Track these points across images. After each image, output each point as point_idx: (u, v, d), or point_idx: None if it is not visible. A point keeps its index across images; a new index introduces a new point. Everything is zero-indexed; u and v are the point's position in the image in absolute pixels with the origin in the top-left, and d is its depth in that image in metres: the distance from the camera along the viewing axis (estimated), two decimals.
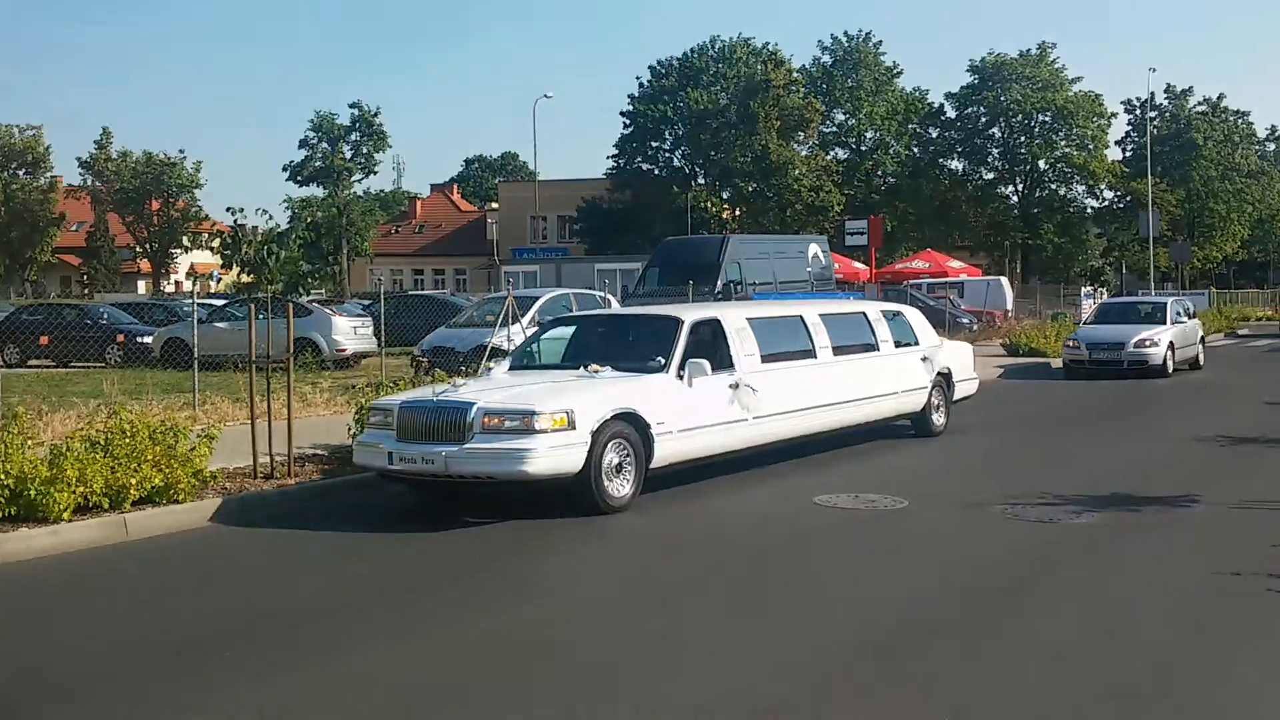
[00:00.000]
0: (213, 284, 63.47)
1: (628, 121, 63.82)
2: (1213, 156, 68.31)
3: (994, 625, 6.48)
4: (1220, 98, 71.75)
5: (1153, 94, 63.74)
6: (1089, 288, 57.30)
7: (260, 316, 11.29)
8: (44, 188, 72.23)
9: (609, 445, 9.31)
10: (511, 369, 11.01)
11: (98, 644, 6.39)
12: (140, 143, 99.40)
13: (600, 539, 8.82)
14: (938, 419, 13.86)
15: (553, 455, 8.95)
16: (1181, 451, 12.90)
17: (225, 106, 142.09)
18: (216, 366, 16.81)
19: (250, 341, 10.67)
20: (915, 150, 67.10)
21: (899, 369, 13.18)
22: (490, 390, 9.72)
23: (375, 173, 67.82)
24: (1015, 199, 67.09)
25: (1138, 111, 66.73)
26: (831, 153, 66.13)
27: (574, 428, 9.06)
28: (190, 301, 19.36)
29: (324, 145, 64.51)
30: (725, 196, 62.90)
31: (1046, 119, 64.39)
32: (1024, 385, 21.80)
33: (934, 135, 67.15)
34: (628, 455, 9.51)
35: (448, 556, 8.33)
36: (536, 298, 24.87)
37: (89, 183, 73.43)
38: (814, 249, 31.85)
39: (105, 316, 26.67)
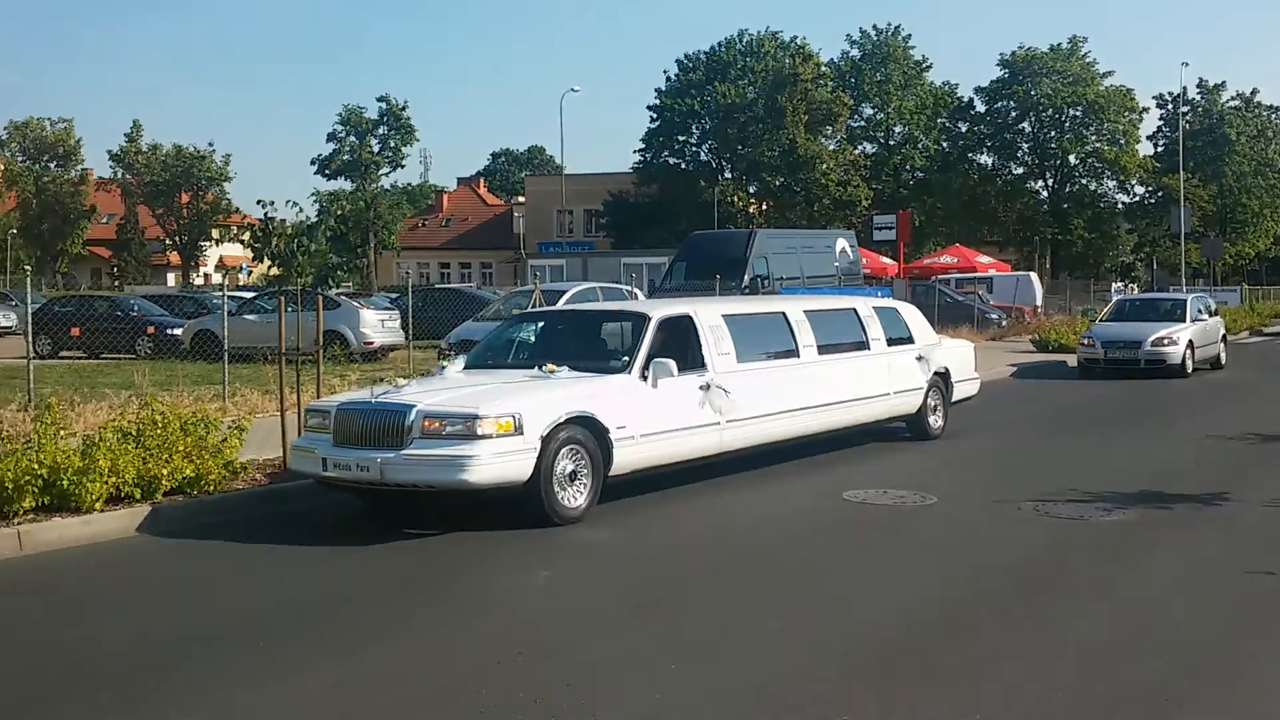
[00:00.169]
0: (241, 276, 63.88)
1: (655, 115, 63.71)
2: (1245, 152, 67.56)
3: (1029, 624, 6.42)
4: (1254, 93, 71.00)
5: (1185, 89, 63.28)
6: (1119, 284, 56.83)
7: (289, 309, 11.34)
8: (75, 180, 72.93)
9: (562, 452, 8.68)
10: (467, 368, 10.28)
11: (117, 636, 6.45)
12: (170, 136, 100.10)
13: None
14: (934, 421, 13.24)
15: (497, 462, 8.30)
16: (1206, 450, 12.75)
17: (254, 100, 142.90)
18: (246, 359, 16.91)
19: (280, 334, 10.72)
20: (944, 145, 66.67)
21: (892, 369, 12.56)
22: (434, 391, 9.04)
23: (403, 166, 68.09)
24: (1045, 194, 66.59)
25: (1170, 106, 66.06)
26: (860, 147, 65.76)
27: (521, 433, 8.41)
28: (220, 294, 19.48)
29: (352, 139, 64.67)
30: (752, 191, 62.72)
31: (1077, 114, 63.86)
32: (1035, 385, 21.08)
33: (963, 129, 66.70)
34: (583, 462, 8.85)
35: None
36: (563, 291, 24.94)
37: (119, 175, 73.98)
38: (842, 244, 31.76)
39: (136, 308, 26.88)
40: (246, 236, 12.04)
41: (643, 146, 64.48)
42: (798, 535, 8.75)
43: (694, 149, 64.21)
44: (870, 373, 12.24)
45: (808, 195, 59.94)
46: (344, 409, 8.86)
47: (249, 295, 28.32)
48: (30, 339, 13.37)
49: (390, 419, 8.56)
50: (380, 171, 66.15)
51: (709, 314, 10.56)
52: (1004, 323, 33.54)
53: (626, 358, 9.70)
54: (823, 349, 11.57)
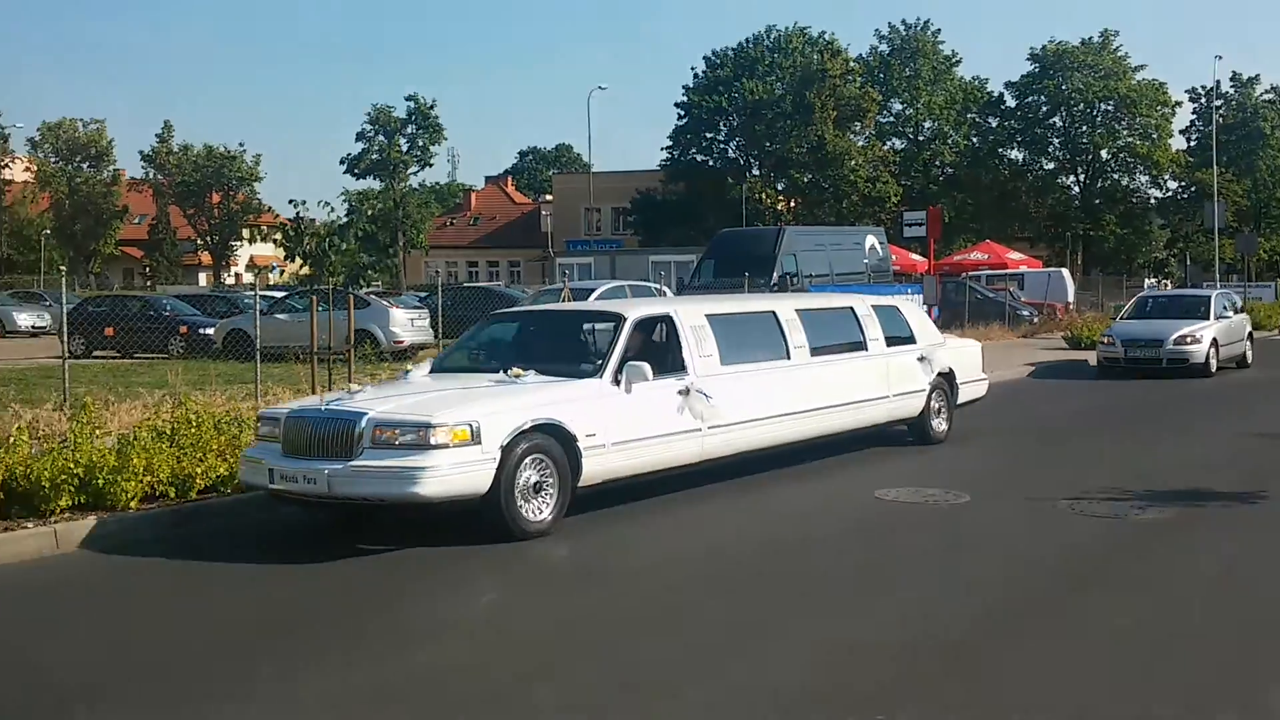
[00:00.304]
0: (272, 276, 64.29)
1: (682, 113, 63.64)
2: None
3: (1069, 623, 6.38)
4: None
5: (1218, 82, 62.47)
6: (1152, 280, 56.34)
7: (320, 308, 11.40)
8: (107, 181, 73.57)
9: (525, 462, 8.17)
10: (434, 372, 9.77)
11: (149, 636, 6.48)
12: (201, 136, 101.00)
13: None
14: (938, 425, 12.66)
15: (453, 474, 7.79)
16: (1238, 449, 12.57)
17: (283, 100, 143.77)
18: (278, 358, 16.99)
19: (312, 333, 10.78)
20: (974, 140, 66.29)
21: (891, 370, 11.97)
22: (389, 398, 8.55)
23: (431, 165, 68.25)
24: (1077, 189, 66.11)
25: (1203, 100, 65.39)
26: (889, 143, 65.49)
27: (479, 442, 7.91)
28: (251, 294, 19.60)
29: (381, 138, 64.94)
30: (780, 188, 62.54)
31: (1109, 108, 63.38)
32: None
33: (993, 125, 66.32)
34: (549, 473, 8.33)
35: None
36: (591, 289, 24.96)
37: (151, 176, 74.60)
38: (871, 240, 31.64)
39: (168, 308, 27.10)
40: (279, 236, 12.03)
41: (670, 144, 64.49)
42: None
43: (722, 146, 64.12)
44: (867, 375, 11.72)
45: (836, 192, 59.73)
46: (293, 417, 8.37)
47: (280, 294, 28.51)
48: (65, 339, 13.47)
49: (339, 428, 8.05)
50: (409, 171, 66.38)
51: (691, 314, 10.06)
52: (1035, 320, 33.32)
53: (598, 361, 9.18)
54: (816, 350, 11.03)
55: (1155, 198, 66.87)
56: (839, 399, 11.19)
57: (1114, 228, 63.71)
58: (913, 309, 13.40)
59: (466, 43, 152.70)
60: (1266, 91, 69.47)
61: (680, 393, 9.41)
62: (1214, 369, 20.94)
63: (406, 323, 24.21)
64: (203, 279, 76.46)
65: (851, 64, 61.80)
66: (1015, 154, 66.37)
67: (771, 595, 6.97)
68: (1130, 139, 63.57)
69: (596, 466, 8.69)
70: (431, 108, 65.13)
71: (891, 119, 66.31)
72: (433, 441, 7.79)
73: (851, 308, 12.21)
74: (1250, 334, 24.27)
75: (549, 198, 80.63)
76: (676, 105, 63.89)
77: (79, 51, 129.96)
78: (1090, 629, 6.23)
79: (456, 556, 7.90)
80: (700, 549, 8.42)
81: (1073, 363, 23.45)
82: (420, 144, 65.69)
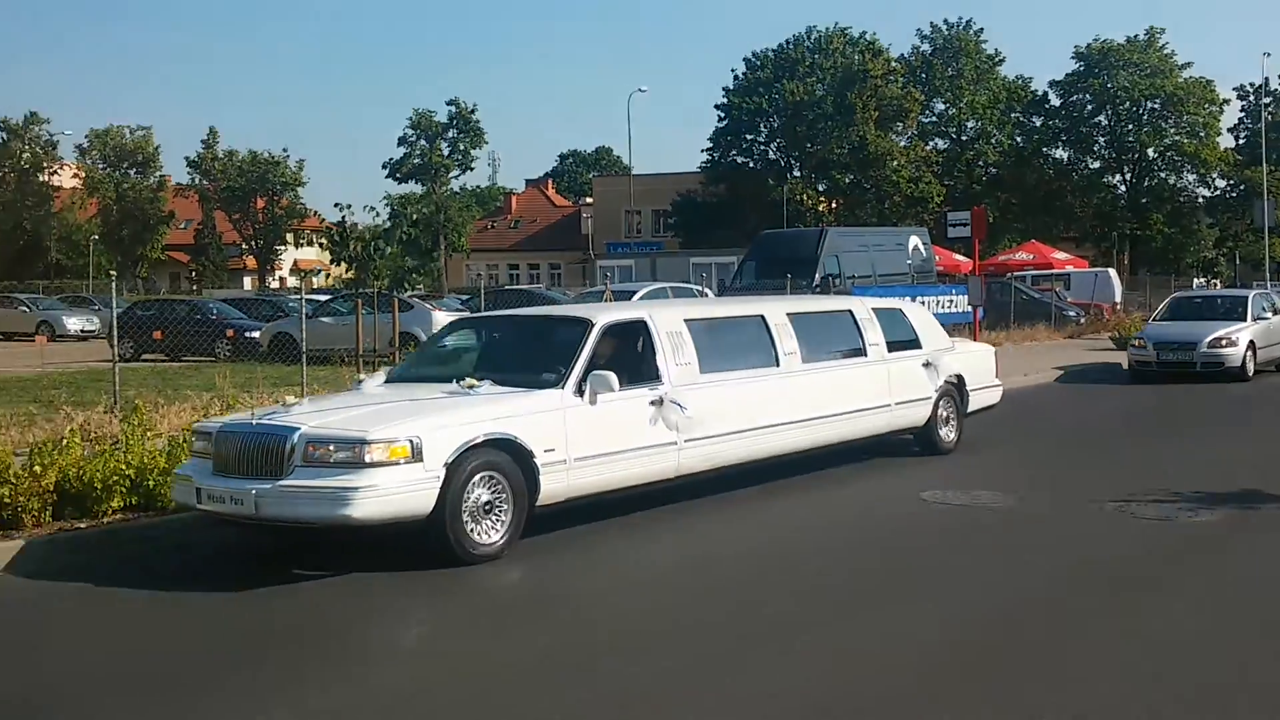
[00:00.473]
0: (315, 280, 64.88)
1: (722, 114, 63.55)
2: None
3: (1123, 625, 6.29)
4: None
5: (1267, 79, 61.52)
6: (1200, 279, 55.52)
7: (365, 311, 11.47)
8: (154, 187, 74.50)
9: (474, 480, 7.59)
10: (390, 381, 9.17)
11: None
12: (245, 142, 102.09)
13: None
14: (946, 434, 11.96)
15: (391, 495, 7.25)
16: None
17: (325, 106, 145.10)
18: (323, 360, 17.08)
19: (357, 335, 10.85)
20: (1018, 139, 65.66)
21: (893, 377, 11.27)
22: (327, 411, 7.99)
23: (472, 169, 68.66)
24: (1123, 188, 65.32)
25: (1251, 98, 64.34)
26: (931, 143, 65.05)
27: (420, 459, 7.36)
28: (297, 297, 19.77)
29: (422, 143, 65.37)
30: (822, 189, 62.29)
31: (1155, 106, 62.57)
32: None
33: (1038, 124, 65.67)
34: (501, 492, 7.76)
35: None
36: (633, 291, 24.96)
37: (196, 181, 75.51)
38: (914, 241, 31.44)
39: (215, 312, 27.40)
40: (325, 240, 12.13)
41: (710, 146, 64.44)
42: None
43: (762, 147, 63.98)
44: (866, 382, 11.00)
45: (878, 192, 59.42)
46: (223, 432, 7.85)
47: (324, 298, 28.74)
48: (115, 342, 13.65)
49: (269, 444, 7.50)
50: (450, 174, 66.77)
51: (668, 319, 9.42)
52: (1082, 320, 33.00)
53: (560, 370, 8.48)
54: (809, 356, 10.36)
55: (1203, 197, 65.95)
56: (834, 408, 10.52)
57: (1161, 227, 62.90)
58: (918, 312, 12.76)
59: (507, 47, 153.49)
60: None
61: (653, 403, 8.79)
62: (1251, 373, 19.97)
63: None
64: (247, 283, 77.28)
65: (893, 64, 61.45)
66: (1060, 153, 65.71)
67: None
68: (1177, 137, 62.73)
69: (556, 484, 8.10)
70: (472, 112, 65.51)
71: (934, 119, 65.85)
72: (368, 459, 7.25)
73: (850, 311, 11.51)
74: None
75: (589, 200, 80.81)
76: (717, 107, 63.93)
77: (126, 59, 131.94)
78: (1146, 635, 6.15)
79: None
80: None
81: (1105, 366, 22.67)
82: (461, 148, 66.07)
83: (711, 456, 9.33)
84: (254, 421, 7.80)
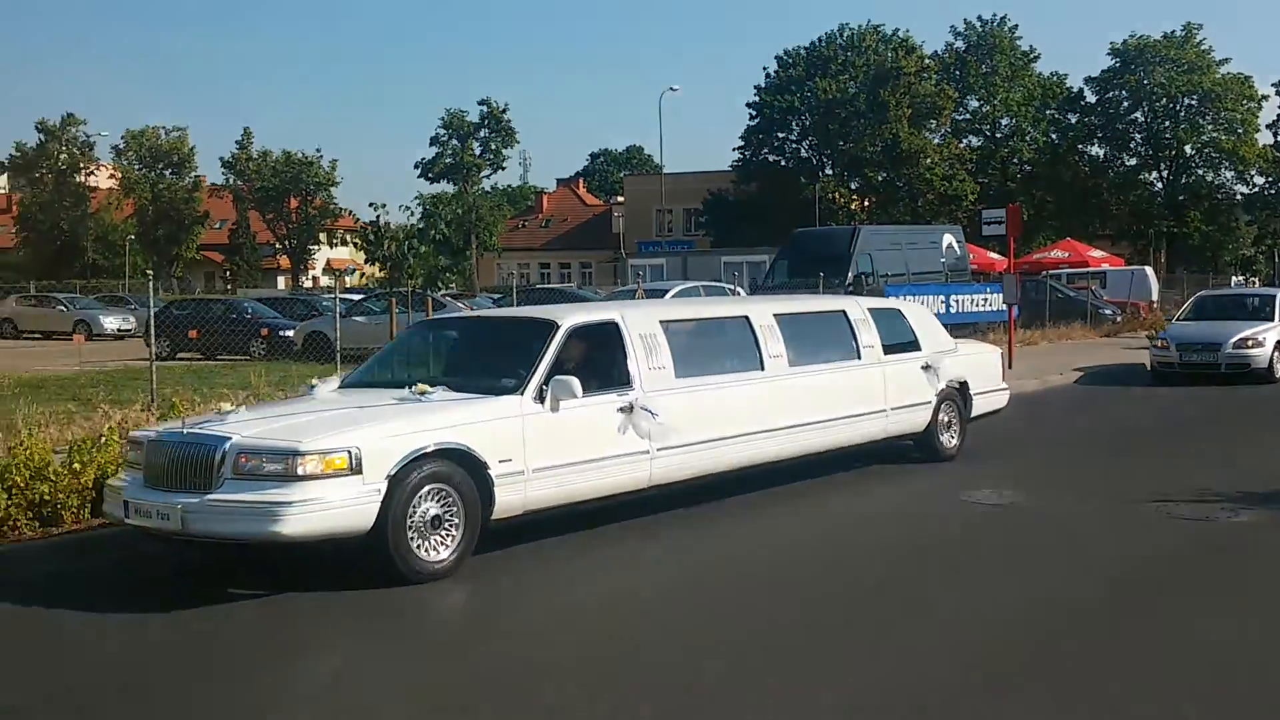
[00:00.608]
0: (348, 279, 65.25)
1: (754, 112, 63.39)
2: None
3: (1166, 628, 6.21)
4: None
5: None
6: (1239, 278, 54.83)
7: (399, 310, 11.49)
8: (189, 187, 75.11)
9: (421, 493, 7.16)
10: (347, 386, 8.79)
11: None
12: (279, 143, 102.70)
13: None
14: (947, 440, 11.49)
15: (325, 509, 6.82)
16: None
17: (358, 106, 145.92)
18: (357, 359, 17.13)
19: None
20: (1053, 136, 65.10)
21: (889, 381, 10.78)
22: (264, 420, 7.57)
23: (503, 168, 68.87)
24: (1160, 185, 64.63)
25: None
26: (965, 140, 64.60)
27: (359, 471, 6.94)
28: (330, 296, 19.86)
29: (454, 142, 65.60)
30: (854, 187, 62.03)
31: (1193, 102, 61.86)
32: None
33: (1073, 121, 65.07)
34: (452, 506, 7.32)
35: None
36: (666, 290, 24.92)
37: (231, 182, 76.12)
38: (948, 239, 31.23)
39: (249, 311, 27.62)
40: (359, 240, 12.18)
41: (742, 144, 64.29)
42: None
43: (794, 146, 63.77)
44: (860, 386, 10.52)
45: (911, 190, 59.08)
46: (154, 441, 7.44)
47: (357, 297, 28.89)
48: (152, 341, 13.75)
49: (198, 454, 7.08)
50: (481, 174, 66.97)
51: (642, 320, 8.94)
52: (1119, 319, 32.68)
53: (520, 375, 8.02)
54: (797, 359, 9.89)
55: (1241, 193, 65.13)
56: (824, 414, 10.04)
57: (1199, 224, 62.19)
58: (919, 312, 12.27)
59: (538, 46, 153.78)
60: None
61: (621, 410, 8.33)
62: (1279, 374, 19.23)
63: None
64: (281, 282, 77.82)
65: (926, 61, 61.07)
66: (1096, 150, 65.11)
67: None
68: (1215, 134, 62.00)
69: (513, 497, 7.66)
70: (504, 111, 65.66)
71: (968, 116, 65.40)
72: (300, 472, 6.82)
73: (844, 311, 10.97)
74: None
75: (620, 199, 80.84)
76: (748, 105, 63.79)
77: (161, 61, 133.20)
78: (1188, 637, 6.06)
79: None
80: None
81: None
82: (493, 147, 66.26)
83: (688, 466, 8.86)
84: (184, 430, 7.35)
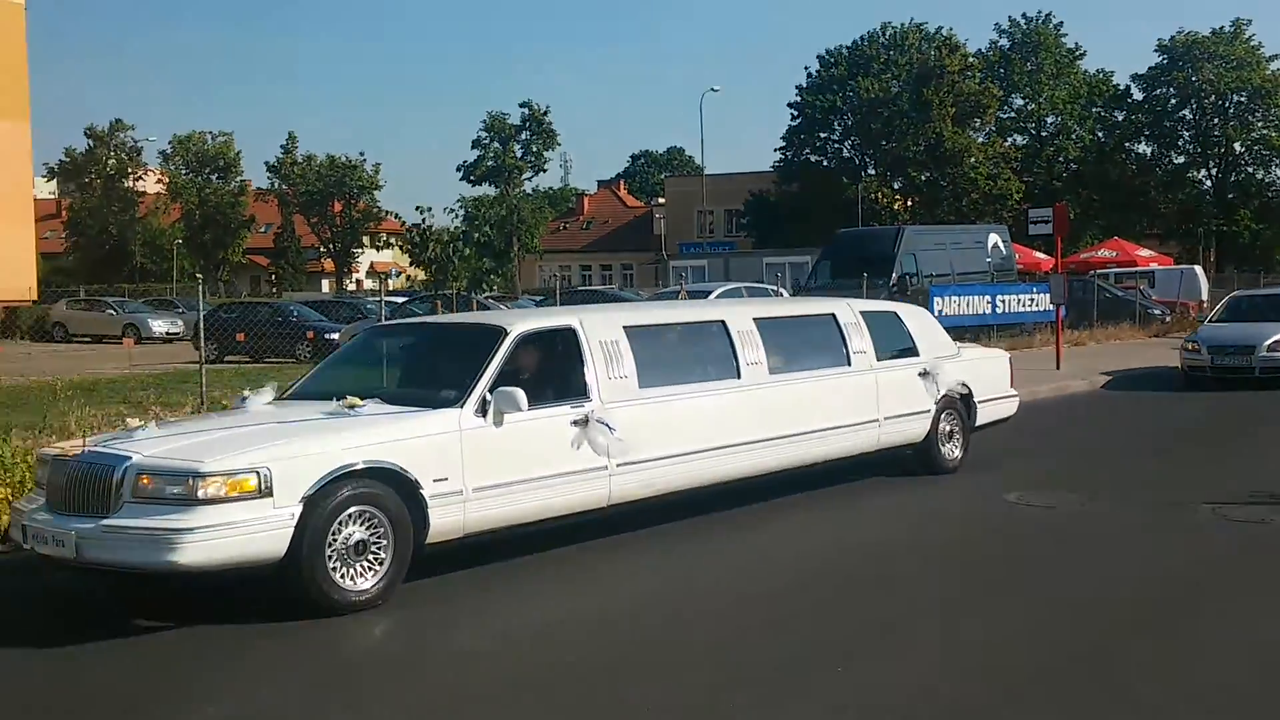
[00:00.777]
0: (391, 281, 65.72)
1: (795, 113, 63.19)
2: None
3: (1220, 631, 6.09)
4: None
5: None
6: None
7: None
8: (235, 192, 76.01)
9: (344, 517, 6.61)
10: (284, 398, 8.17)
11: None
12: (323, 146, 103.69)
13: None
14: (949, 450, 10.88)
15: (229, 536, 6.26)
16: None
17: (401, 109, 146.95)
18: None
19: None
20: (1100, 134, 64.35)
21: (882, 389, 10.16)
22: (174, 437, 6.95)
23: (545, 170, 69.08)
24: (1209, 183, 63.71)
25: None
26: (1010, 139, 63.99)
27: (269, 494, 6.38)
28: (375, 299, 19.99)
29: (496, 145, 65.92)
30: (897, 187, 61.64)
31: (1242, 99, 60.92)
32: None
33: (1120, 118, 64.29)
34: (379, 530, 6.76)
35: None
36: (709, 291, 24.85)
37: (276, 186, 76.90)
38: (994, 239, 30.98)
39: (295, 314, 27.87)
40: (402, 242, 12.26)
41: (783, 144, 64.11)
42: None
43: (836, 146, 63.49)
44: (849, 395, 9.89)
45: (955, 190, 58.58)
46: (57, 459, 6.89)
47: (401, 300, 29.08)
48: (203, 344, 13.89)
49: (97, 475, 6.51)
50: (523, 176, 67.24)
51: (603, 326, 8.32)
52: (1168, 318, 32.25)
53: (463, 386, 7.42)
54: (779, 367, 9.30)
55: None
56: (807, 425, 9.42)
57: (1249, 223, 61.22)
58: (917, 315, 11.50)
59: (579, 48, 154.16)
60: None
61: (576, 424, 7.74)
62: None
63: None
64: (325, 285, 78.55)
65: (970, 59, 60.57)
66: (1143, 148, 64.26)
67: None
68: (1265, 130, 60.99)
69: (450, 518, 7.08)
70: (545, 114, 65.86)
71: (1012, 114, 64.80)
72: (201, 495, 6.27)
73: (833, 315, 10.27)
74: None
75: (661, 201, 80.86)
76: (790, 105, 63.61)
77: (207, 66, 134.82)
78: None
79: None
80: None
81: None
82: (534, 150, 66.48)
83: (652, 482, 8.25)
84: (85, 448, 6.80)
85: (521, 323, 8.10)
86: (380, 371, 8.72)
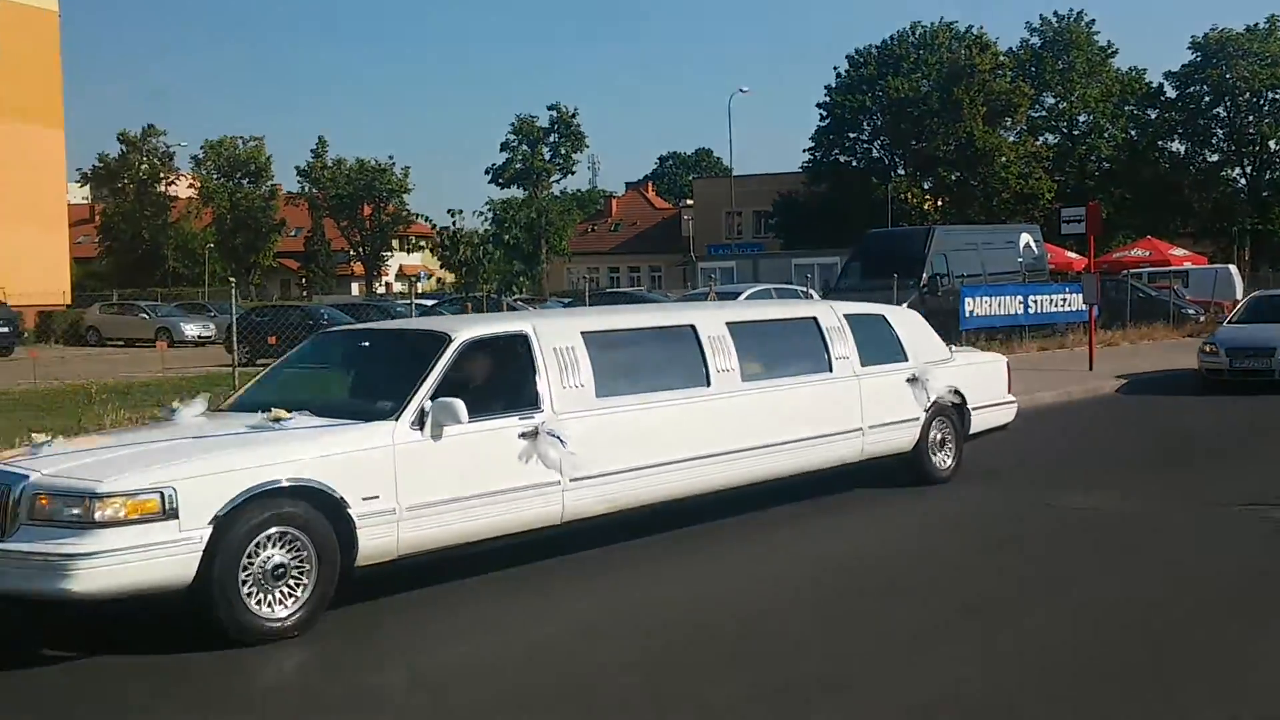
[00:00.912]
0: (419, 284, 65.99)
1: (824, 113, 63.03)
2: None
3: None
4: None
5: None
6: None
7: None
8: (266, 196, 76.55)
9: (260, 539, 6.18)
10: (219, 409, 7.80)
11: None
12: (353, 150, 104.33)
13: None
14: (940, 460, 10.36)
15: (128, 562, 5.81)
16: None
17: (430, 113, 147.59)
18: None
19: None
20: (1132, 133, 63.82)
21: (866, 396, 9.62)
22: (80, 453, 6.55)
23: (573, 173, 69.22)
24: (1243, 182, 63.08)
25: None
26: (1041, 138, 63.58)
27: (174, 516, 5.93)
28: (405, 302, 20.05)
29: (524, 148, 66.09)
30: (927, 187, 61.36)
31: (1277, 96, 60.31)
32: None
33: (1152, 117, 63.75)
34: (301, 552, 6.31)
35: None
36: (738, 293, 24.79)
37: (306, 190, 77.40)
38: (1025, 239, 30.72)
39: (326, 317, 27.95)
40: (434, 245, 12.28)
41: (812, 145, 64.02)
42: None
43: (865, 146, 63.32)
44: (829, 403, 9.35)
45: (986, 189, 58.26)
46: None
47: (430, 302, 29.13)
48: (236, 347, 13.97)
49: None
50: (551, 179, 67.38)
51: (558, 332, 7.84)
52: (1202, 318, 31.89)
53: (401, 397, 6.96)
54: (753, 374, 8.80)
55: None
56: (785, 435, 8.88)
57: None
58: (906, 318, 10.89)
59: (606, 50, 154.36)
60: None
61: (524, 436, 7.27)
62: None
63: None
64: (355, 288, 78.97)
65: (1001, 58, 60.21)
66: (1176, 146, 63.71)
67: None
68: None
69: (381, 539, 6.62)
70: (573, 116, 66.00)
71: (1044, 113, 64.39)
72: (99, 517, 5.81)
73: (815, 319, 9.74)
74: None
75: (689, 202, 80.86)
76: (819, 106, 63.50)
77: (238, 71, 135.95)
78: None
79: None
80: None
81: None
82: (562, 152, 66.63)
83: (612, 498, 7.73)
84: None
85: (469, 329, 7.64)
86: (319, 380, 8.27)
